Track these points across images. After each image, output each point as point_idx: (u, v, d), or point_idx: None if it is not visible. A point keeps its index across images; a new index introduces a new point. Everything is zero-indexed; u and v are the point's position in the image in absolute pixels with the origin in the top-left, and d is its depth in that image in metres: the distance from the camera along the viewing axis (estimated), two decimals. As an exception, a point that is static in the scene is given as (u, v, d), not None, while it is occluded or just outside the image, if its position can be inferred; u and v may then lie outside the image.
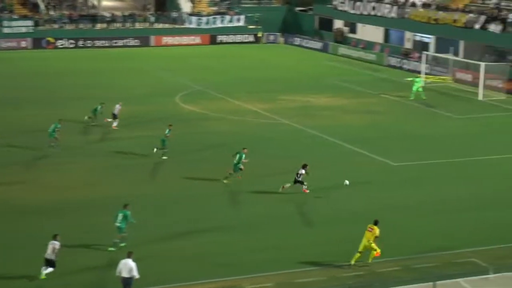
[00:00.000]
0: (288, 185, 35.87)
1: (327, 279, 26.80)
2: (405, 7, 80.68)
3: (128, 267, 24.59)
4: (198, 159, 41.82)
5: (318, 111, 55.44)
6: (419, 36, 78.74)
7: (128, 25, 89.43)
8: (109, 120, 48.01)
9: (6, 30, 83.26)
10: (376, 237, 27.62)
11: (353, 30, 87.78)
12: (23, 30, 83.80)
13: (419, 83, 60.57)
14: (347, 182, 36.15)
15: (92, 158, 41.63)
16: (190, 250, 29.35)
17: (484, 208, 35.08)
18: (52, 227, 29.13)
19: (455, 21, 73.22)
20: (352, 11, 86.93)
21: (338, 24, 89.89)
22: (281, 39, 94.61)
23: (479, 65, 62.70)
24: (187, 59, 79.58)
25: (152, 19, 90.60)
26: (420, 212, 34.26)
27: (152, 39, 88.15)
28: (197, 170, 39.55)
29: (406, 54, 77.72)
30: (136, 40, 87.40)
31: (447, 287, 25.55)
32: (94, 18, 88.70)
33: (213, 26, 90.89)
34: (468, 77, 67.27)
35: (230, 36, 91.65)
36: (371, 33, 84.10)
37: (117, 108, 48.15)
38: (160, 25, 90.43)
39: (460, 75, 68.46)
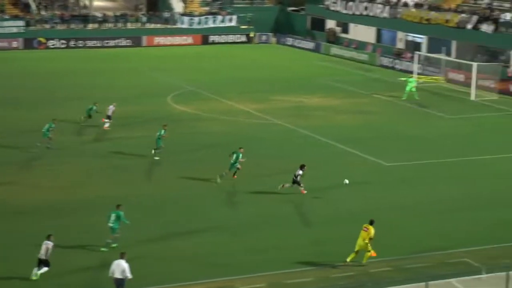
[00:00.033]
0: (288, 185, 35.82)
1: (320, 279, 26.76)
2: (397, 7, 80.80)
3: (121, 267, 24.54)
4: (191, 160, 41.78)
5: (311, 111, 55.42)
6: (411, 36, 78.79)
7: (120, 25, 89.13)
8: (106, 120, 47.92)
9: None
10: (370, 238, 27.65)
11: (345, 30, 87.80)
12: (14, 30, 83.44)
13: (413, 83, 60.64)
14: (346, 181, 36.09)
15: (85, 159, 41.52)
16: (185, 251, 29.28)
17: (477, 208, 35.13)
18: (46, 227, 29.04)
19: (447, 21, 73.38)
20: (344, 11, 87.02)
21: (330, 24, 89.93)
22: (274, 39, 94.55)
23: (471, 65, 62.82)
24: (179, 60, 79.40)
25: (144, 19, 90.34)
26: (414, 212, 34.28)
27: (144, 39, 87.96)
28: (191, 170, 39.50)
29: (399, 54, 77.77)
30: (128, 40, 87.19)
31: (439, 287, 25.59)
32: (85, 18, 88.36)
33: (205, 26, 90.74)
34: (460, 77, 67.38)
35: (222, 36, 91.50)
36: (363, 33, 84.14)
37: (111, 109, 47.95)
38: (152, 25, 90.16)
39: (453, 75, 68.56)
